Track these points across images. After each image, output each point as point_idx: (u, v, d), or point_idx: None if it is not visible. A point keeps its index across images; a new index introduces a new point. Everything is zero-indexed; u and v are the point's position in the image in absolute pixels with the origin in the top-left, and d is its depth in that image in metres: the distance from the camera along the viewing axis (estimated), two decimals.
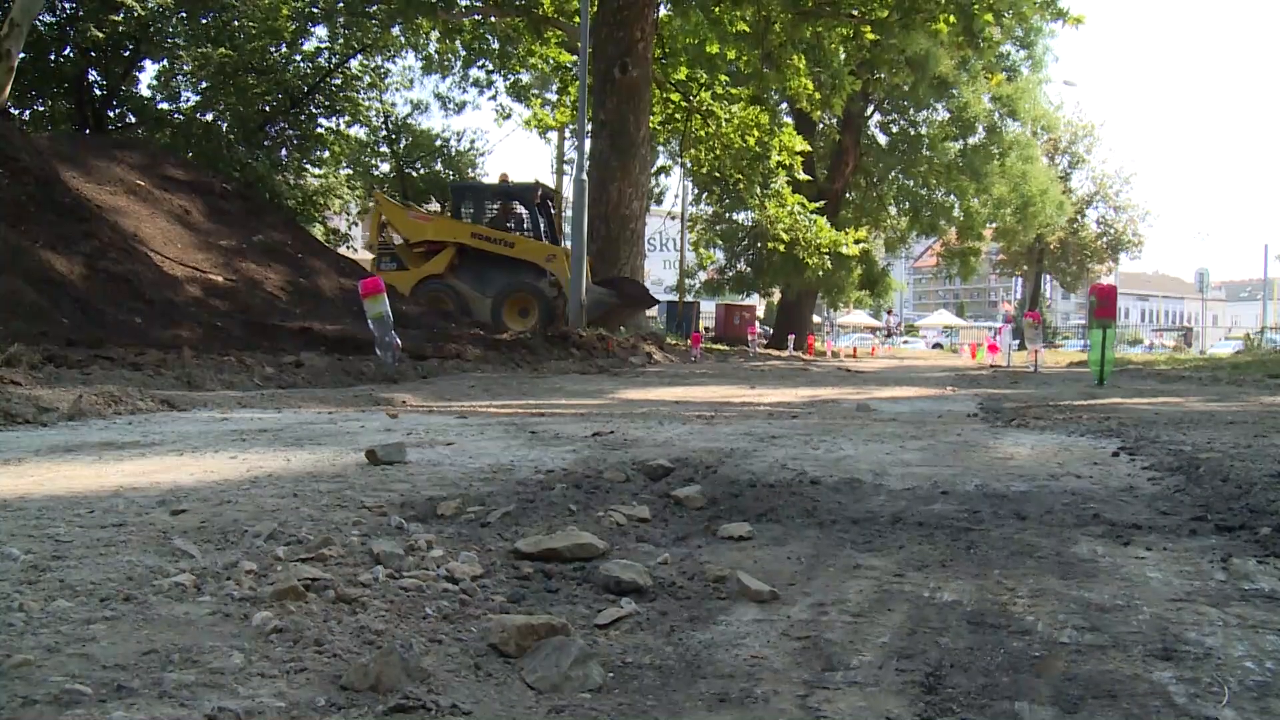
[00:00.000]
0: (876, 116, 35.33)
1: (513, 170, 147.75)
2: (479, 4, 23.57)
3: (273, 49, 24.17)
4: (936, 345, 56.15)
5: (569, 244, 18.60)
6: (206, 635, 1.55)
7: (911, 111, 34.16)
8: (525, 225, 20.75)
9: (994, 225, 37.80)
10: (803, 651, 1.62)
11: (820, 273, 26.78)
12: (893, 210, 37.06)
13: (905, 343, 61.33)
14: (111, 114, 23.24)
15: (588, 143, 18.65)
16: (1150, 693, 1.43)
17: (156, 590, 1.76)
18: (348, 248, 28.61)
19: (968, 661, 1.56)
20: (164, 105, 24.52)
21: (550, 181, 29.35)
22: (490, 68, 28.34)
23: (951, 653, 1.60)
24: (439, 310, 20.43)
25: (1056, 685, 1.46)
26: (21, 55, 12.82)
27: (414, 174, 33.22)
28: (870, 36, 22.23)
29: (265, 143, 23.82)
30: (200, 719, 1.26)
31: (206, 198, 15.77)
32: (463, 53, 27.63)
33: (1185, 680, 1.48)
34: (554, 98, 29.35)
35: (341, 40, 25.57)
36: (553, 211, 21.33)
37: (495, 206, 20.89)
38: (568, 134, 31.40)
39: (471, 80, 30.25)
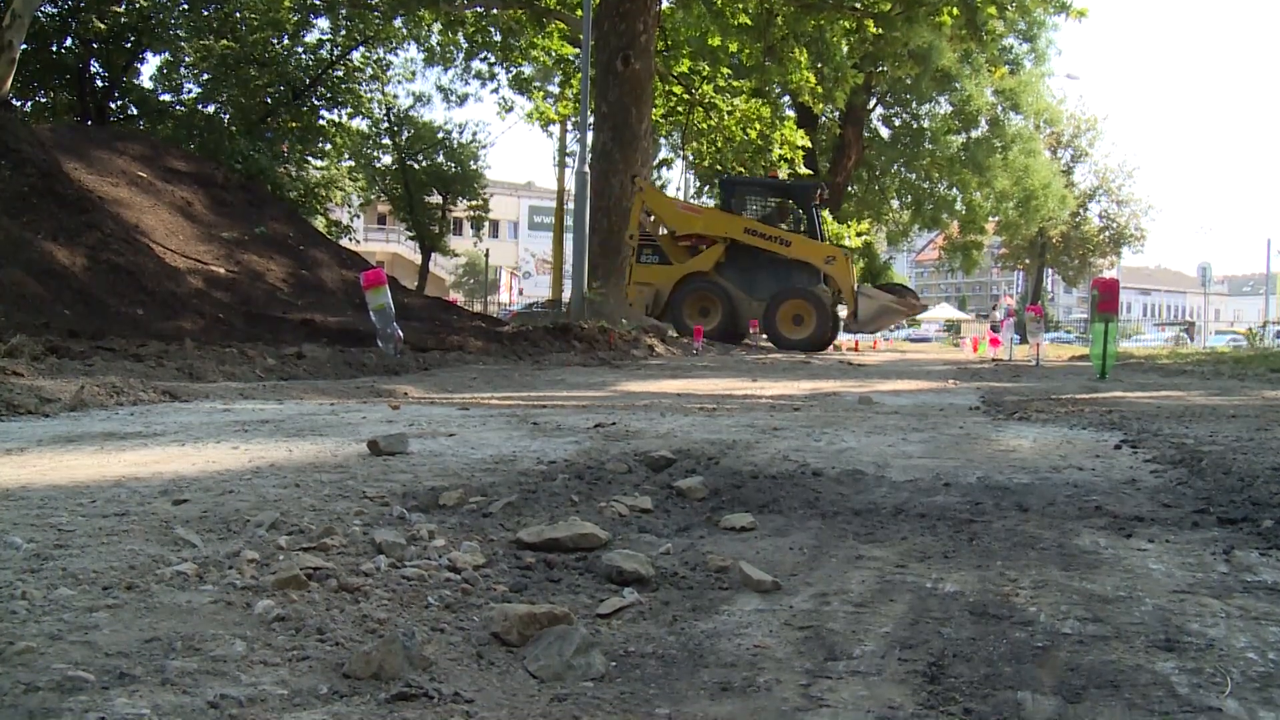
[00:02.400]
0: (879, 110, 35.29)
1: (513, 164, 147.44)
2: None
3: (275, 41, 24.14)
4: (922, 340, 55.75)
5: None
6: (209, 623, 1.55)
7: (914, 105, 34.13)
8: (799, 225, 19.80)
9: (996, 219, 37.74)
10: (805, 641, 1.62)
11: None
12: (895, 204, 37.06)
13: (910, 338, 61.29)
14: (113, 105, 23.22)
15: (590, 135, 18.62)
16: (1153, 683, 1.43)
17: (159, 579, 1.77)
18: (349, 239, 28.59)
19: (970, 652, 1.56)
20: (166, 97, 24.50)
21: (552, 174, 29.24)
22: (492, 60, 28.30)
23: (954, 643, 1.60)
24: (702, 309, 19.32)
25: (1059, 675, 1.46)
26: (23, 46, 12.81)
27: (416, 166, 33.22)
28: (873, 29, 22.19)
29: (267, 135, 23.79)
30: (202, 706, 1.26)
31: (208, 189, 15.77)
32: (465, 45, 27.58)
33: (1188, 671, 1.48)
34: (556, 90, 29.28)
35: (344, 32, 25.52)
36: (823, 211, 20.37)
37: (769, 203, 19.95)
38: (570, 127, 31.35)
39: (474, 73, 30.21)
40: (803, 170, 24.26)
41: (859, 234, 25.37)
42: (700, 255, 19.57)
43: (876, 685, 1.43)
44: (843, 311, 19.99)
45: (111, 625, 1.52)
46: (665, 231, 20.04)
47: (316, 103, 25.65)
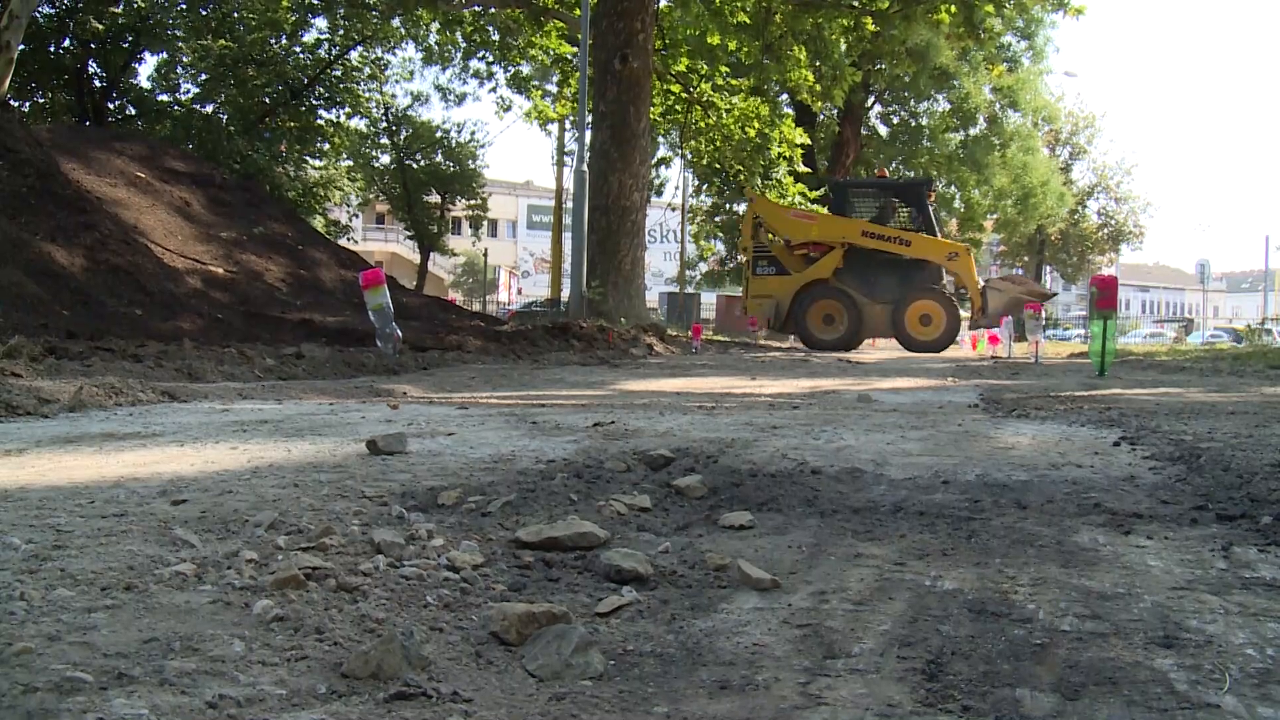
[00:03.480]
0: (877, 107, 35.28)
1: (512, 163, 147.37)
2: None
3: (273, 41, 24.14)
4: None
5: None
6: (207, 624, 1.55)
7: (912, 102, 34.13)
8: (911, 224, 19.46)
9: (995, 216, 37.71)
10: (804, 639, 1.62)
11: None
12: None
13: None
14: (111, 106, 23.23)
15: (588, 134, 18.61)
16: (1151, 680, 1.43)
17: (157, 579, 1.76)
18: (348, 239, 28.59)
19: (969, 649, 1.56)
20: (164, 97, 24.54)
21: (551, 173, 29.21)
22: (490, 59, 28.29)
23: (953, 640, 1.60)
24: (826, 317, 18.94)
25: (1058, 672, 1.46)
26: (21, 47, 12.80)
27: (414, 166, 33.21)
28: (871, 27, 22.18)
29: (265, 134, 23.78)
30: (201, 706, 1.26)
31: (207, 190, 15.78)
32: (463, 44, 27.57)
33: (1186, 667, 1.48)
34: (554, 89, 29.27)
35: (341, 32, 25.53)
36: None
37: (881, 203, 19.63)
38: (568, 126, 31.34)
39: (472, 72, 30.19)
40: (801, 168, 24.25)
41: None
42: (818, 262, 19.18)
43: (875, 683, 1.43)
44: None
45: (110, 626, 1.52)
46: (778, 240, 19.71)
47: (314, 102, 25.66)
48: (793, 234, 19.48)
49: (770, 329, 21.00)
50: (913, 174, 34.36)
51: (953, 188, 34.43)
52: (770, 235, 19.97)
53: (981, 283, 19.70)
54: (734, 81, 23.65)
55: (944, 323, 18.51)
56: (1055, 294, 21.78)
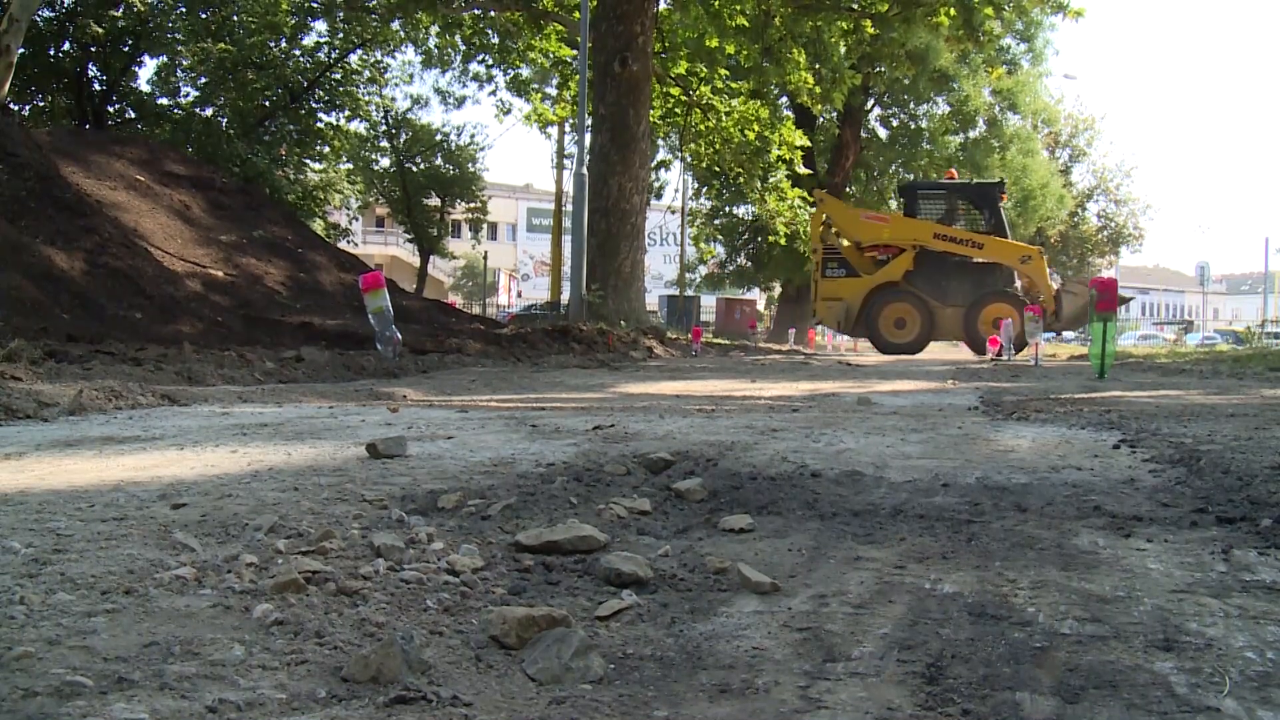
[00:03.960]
0: (877, 110, 35.28)
1: (511, 166, 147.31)
2: None
3: (272, 44, 24.15)
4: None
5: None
6: (207, 628, 1.55)
7: (912, 105, 34.12)
8: (984, 225, 19.23)
9: None
10: (804, 643, 1.62)
11: None
12: (893, 204, 37.00)
13: None
14: (111, 109, 23.25)
15: (588, 137, 18.61)
16: (1151, 683, 1.43)
17: (157, 583, 1.77)
18: (348, 242, 28.60)
19: (969, 652, 1.56)
20: (163, 100, 24.54)
21: (550, 176, 29.20)
22: (490, 62, 28.27)
23: (952, 644, 1.60)
24: (898, 321, 18.70)
25: (1057, 676, 1.46)
26: (21, 50, 12.81)
27: (414, 169, 33.23)
28: (870, 30, 22.17)
29: (265, 138, 23.80)
30: (201, 710, 1.26)
31: (207, 193, 15.78)
32: (462, 47, 27.56)
33: (1186, 670, 1.48)
34: (554, 92, 29.26)
35: (341, 35, 25.54)
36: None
37: (952, 206, 19.46)
38: (568, 129, 31.35)
39: (471, 75, 30.20)
40: (801, 170, 24.25)
41: None
42: (888, 265, 19.01)
43: (875, 687, 1.43)
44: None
45: (110, 630, 1.52)
46: (848, 243, 19.51)
47: (314, 105, 25.68)
48: (863, 235, 19.31)
49: (840, 331, 20.76)
50: (912, 177, 34.37)
51: None
52: (837, 235, 19.75)
53: (1055, 286, 19.46)
54: (733, 84, 23.65)
55: (1018, 327, 18.29)
56: (1133, 298, 21.48)
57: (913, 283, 18.86)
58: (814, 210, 20.07)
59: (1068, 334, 24.15)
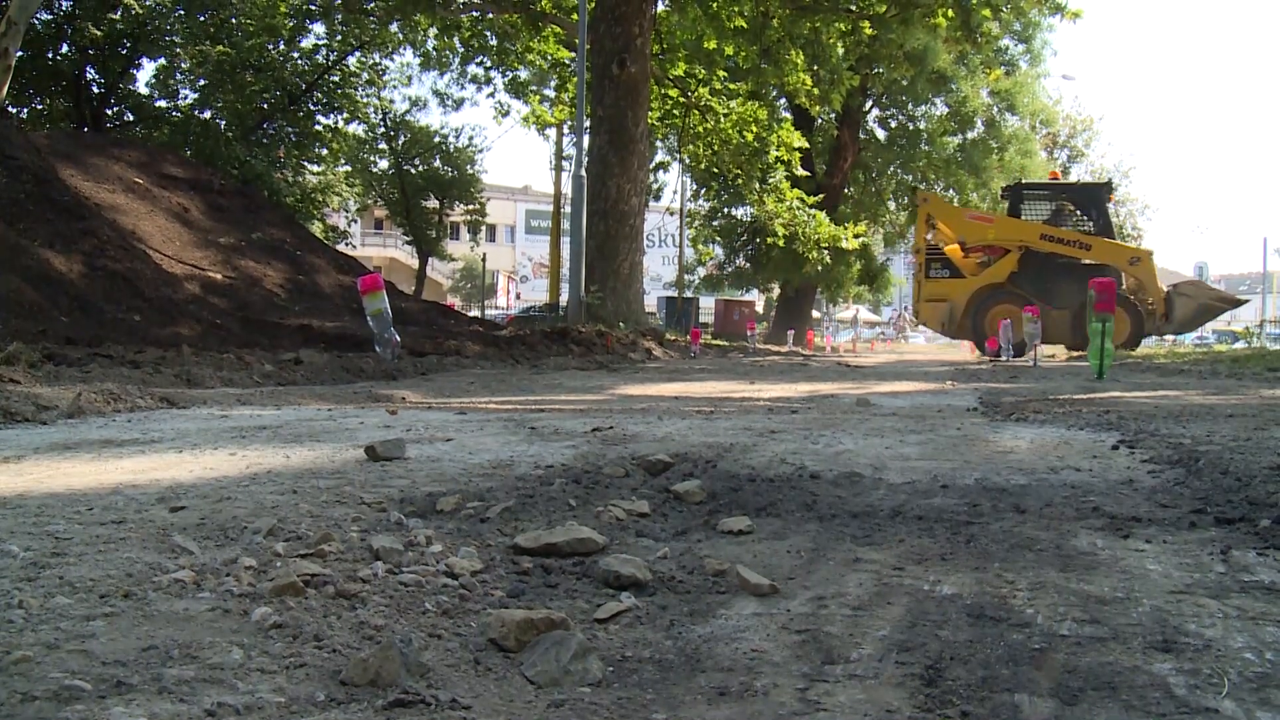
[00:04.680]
0: (875, 111, 35.26)
1: (510, 168, 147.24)
2: (476, 0, 23.52)
3: (270, 46, 24.16)
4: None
5: None
6: (206, 631, 1.55)
7: (910, 106, 34.10)
8: (1091, 226, 18.94)
9: None
10: (802, 645, 1.62)
11: (819, 268, 26.78)
12: (892, 205, 36.99)
13: (906, 338, 61.31)
14: (109, 112, 23.25)
15: (586, 139, 18.61)
16: (1150, 684, 1.43)
17: (156, 587, 1.76)
18: (346, 245, 28.60)
19: (967, 654, 1.56)
20: (162, 103, 24.55)
21: (549, 178, 29.15)
22: (488, 64, 28.27)
23: (951, 645, 1.60)
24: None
25: (1056, 677, 1.46)
26: (19, 53, 12.80)
27: (412, 171, 33.25)
28: (868, 31, 22.19)
29: (263, 140, 23.80)
30: (200, 715, 1.26)
31: (205, 195, 15.78)
32: (460, 49, 27.55)
33: (1185, 672, 1.48)
34: (552, 94, 29.27)
35: (339, 37, 25.55)
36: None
37: (1058, 206, 19.08)
38: (566, 130, 31.38)
39: (469, 77, 30.18)
40: (799, 172, 24.25)
41: (856, 235, 25.28)
42: (993, 266, 18.72)
43: (874, 689, 1.43)
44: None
45: (109, 634, 1.52)
46: (950, 243, 19.21)
47: (312, 108, 25.68)
48: (968, 236, 19.05)
49: (943, 333, 20.41)
50: (911, 178, 34.37)
51: (951, 191, 34.43)
52: (938, 236, 19.43)
53: (1166, 288, 19.15)
54: (732, 86, 23.66)
55: (1129, 329, 17.91)
56: (1247, 300, 20.95)
57: (1018, 284, 18.53)
58: (917, 209, 19.72)
59: (1184, 335, 23.47)
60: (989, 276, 18.81)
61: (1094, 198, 19.54)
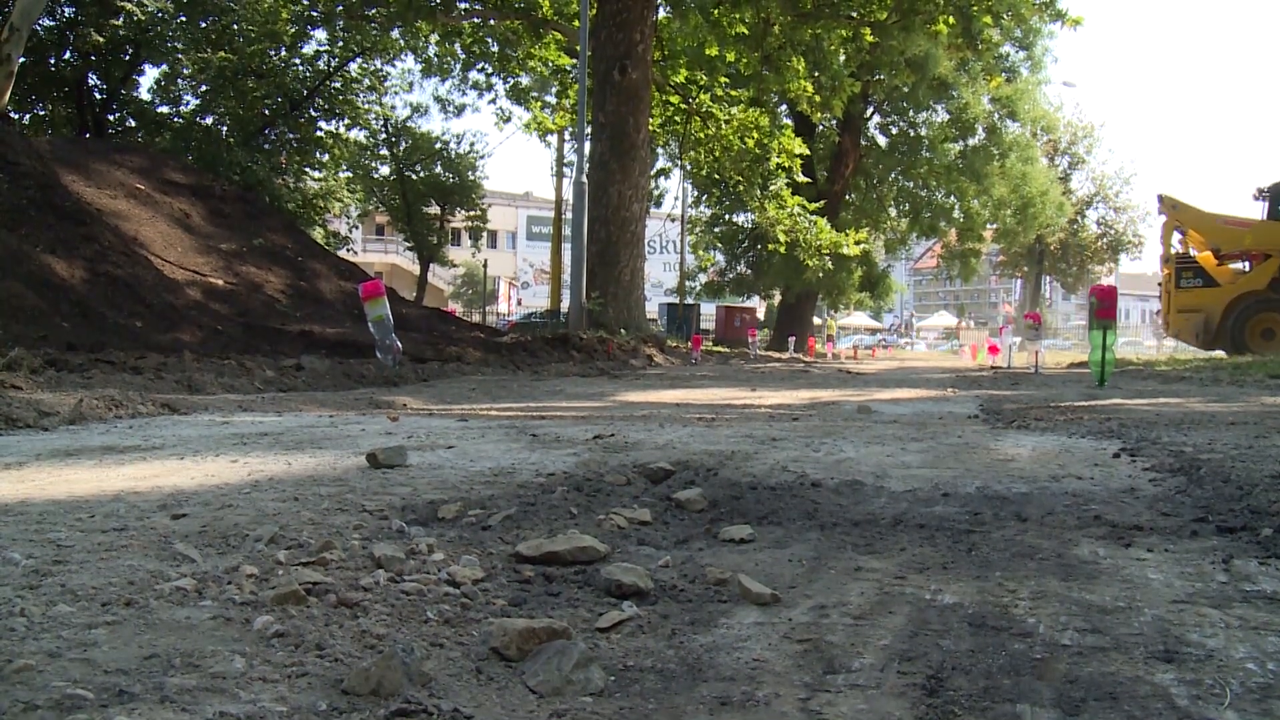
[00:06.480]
0: (876, 118, 35.33)
1: (511, 174, 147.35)
2: (478, 7, 23.57)
3: (272, 53, 24.21)
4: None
5: None
6: (208, 640, 1.55)
7: (911, 113, 34.15)
8: None
9: (994, 226, 37.70)
10: (804, 654, 1.62)
11: (820, 274, 26.79)
12: (893, 212, 37.04)
13: (907, 344, 61.36)
14: (111, 118, 23.30)
15: (587, 145, 18.64)
16: (1152, 694, 1.43)
17: (158, 595, 1.76)
18: (347, 251, 28.62)
19: (969, 664, 1.56)
20: (164, 109, 24.61)
21: (550, 184, 29.20)
22: (490, 70, 28.34)
23: (953, 655, 1.60)
24: (1265, 332, 17.16)
25: (1058, 687, 1.46)
26: (22, 59, 12.83)
27: (414, 177, 33.28)
28: (869, 38, 22.26)
29: (265, 146, 23.84)
30: None
31: (206, 201, 15.81)
32: (462, 56, 27.62)
33: (1187, 682, 1.47)
34: (553, 100, 29.34)
35: (341, 44, 25.60)
36: None
37: None
38: (567, 137, 31.40)
39: (471, 83, 30.23)
40: (800, 179, 24.27)
41: (857, 242, 25.31)
42: (1251, 273, 18.02)
43: (875, 698, 1.42)
44: None
45: (110, 642, 1.52)
46: (1197, 251, 18.53)
47: (314, 114, 25.73)
48: (1223, 242, 18.42)
49: (1196, 345, 19.52)
50: (911, 185, 34.40)
51: (952, 198, 34.46)
52: (1187, 243, 18.70)
53: None
54: (733, 92, 23.70)
55: None
56: None
57: (1277, 291, 17.77)
58: (1164, 219, 19.01)
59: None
60: (1247, 283, 18.05)
61: None
